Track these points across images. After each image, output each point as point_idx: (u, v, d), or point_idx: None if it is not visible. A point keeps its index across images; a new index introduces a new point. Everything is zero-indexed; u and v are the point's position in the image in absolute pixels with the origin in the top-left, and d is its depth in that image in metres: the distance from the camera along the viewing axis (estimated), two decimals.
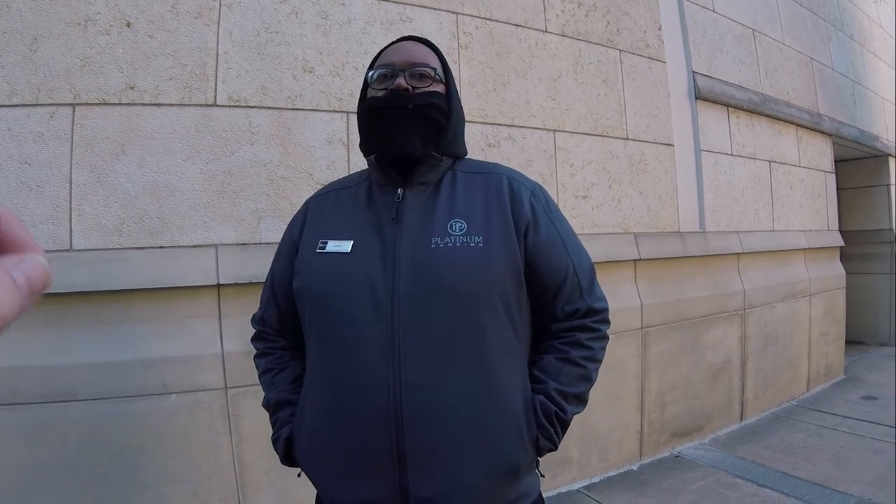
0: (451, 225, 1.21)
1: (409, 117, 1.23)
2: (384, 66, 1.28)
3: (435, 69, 1.29)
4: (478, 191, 1.28)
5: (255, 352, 1.49)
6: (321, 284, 1.23)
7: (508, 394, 1.19)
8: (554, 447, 1.26)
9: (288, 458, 1.33)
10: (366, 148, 1.33)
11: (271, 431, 1.38)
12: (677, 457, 4.01)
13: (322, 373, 1.24)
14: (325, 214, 1.35)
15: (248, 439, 2.52)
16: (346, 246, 1.23)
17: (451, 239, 1.18)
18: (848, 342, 6.44)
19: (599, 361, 1.33)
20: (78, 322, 2.31)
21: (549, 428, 1.23)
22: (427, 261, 1.17)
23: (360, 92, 1.37)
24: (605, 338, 1.35)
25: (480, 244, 1.18)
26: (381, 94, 1.27)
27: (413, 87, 1.25)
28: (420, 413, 1.12)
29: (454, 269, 1.16)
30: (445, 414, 1.13)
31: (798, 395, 5.36)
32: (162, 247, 2.44)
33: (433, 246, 1.18)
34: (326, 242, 1.26)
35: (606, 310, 1.35)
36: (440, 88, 1.30)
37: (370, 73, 1.31)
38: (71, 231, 2.32)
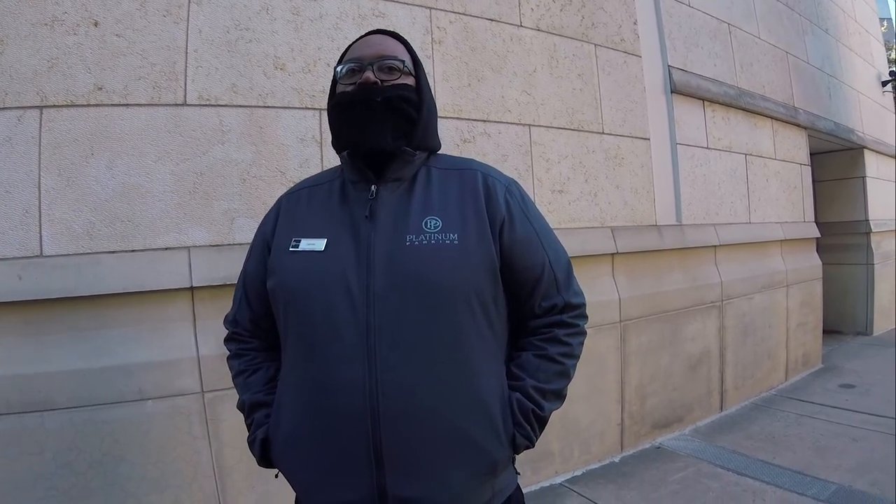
0: (426, 222, 1.19)
1: (378, 111, 1.21)
2: (352, 61, 1.26)
3: (403, 61, 1.27)
4: (452, 187, 1.27)
5: (228, 354, 1.47)
6: (295, 284, 1.21)
7: (485, 392, 1.19)
8: (531, 445, 1.26)
9: (265, 459, 1.31)
10: (337, 144, 1.32)
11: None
12: (658, 448, 4.04)
13: (298, 373, 1.22)
14: (298, 212, 1.33)
15: (227, 443, 2.50)
16: (319, 244, 1.22)
17: (426, 236, 1.17)
18: (825, 332, 6.54)
19: (577, 357, 1.33)
20: (51, 329, 2.28)
21: (525, 426, 1.23)
22: (402, 259, 1.16)
23: (329, 88, 1.36)
24: (583, 333, 1.34)
25: (456, 241, 1.17)
26: (349, 88, 1.25)
27: (382, 81, 1.23)
28: (397, 412, 1.11)
29: (429, 267, 1.15)
30: (422, 413, 1.12)
31: (777, 385, 5.42)
32: (134, 250, 2.40)
33: (408, 244, 1.17)
34: (300, 241, 1.24)
35: (584, 305, 1.35)
36: (410, 81, 1.28)
37: (338, 69, 1.29)
38: (41, 236, 2.29)
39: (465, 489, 1.17)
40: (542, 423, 1.26)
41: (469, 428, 1.16)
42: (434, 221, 1.20)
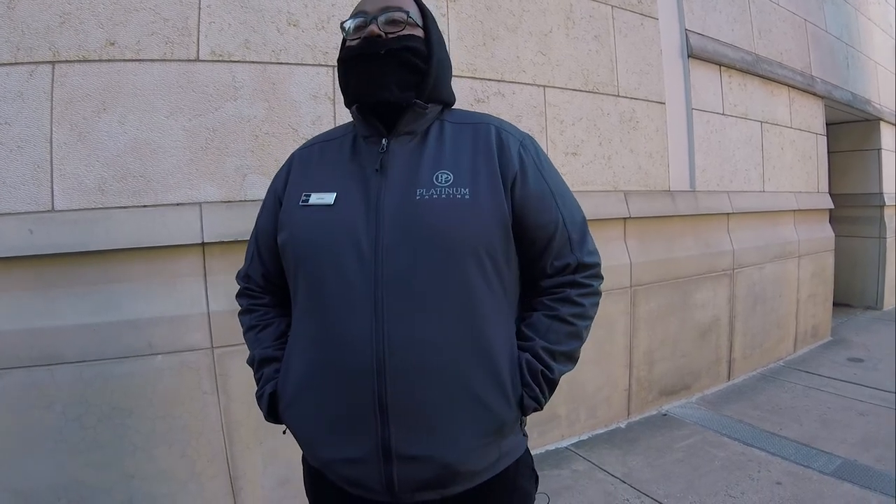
0: (437, 176, 1.17)
1: (382, 63, 1.20)
2: (358, 15, 1.24)
3: (408, 12, 1.24)
4: (466, 141, 1.25)
5: (240, 309, 1.47)
6: (304, 238, 1.21)
7: (494, 350, 1.17)
8: (539, 407, 1.23)
9: (272, 414, 1.31)
10: (346, 99, 1.30)
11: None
12: (665, 415, 4.06)
13: (307, 327, 1.22)
14: (310, 167, 1.32)
15: (235, 399, 2.52)
16: (328, 198, 1.21)
17: (436, 191, 1.15)
18: (835, 304, 6.50)
19: (591, 318, 1.30)
20: (62, 284, 2.28)
21: (534, 387, 1.20)
22: (411, 212, 1.14)
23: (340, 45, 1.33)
24: (597, 293, 1.31)
25: (467, 196, 1.15)
26: (355, 43, 1.23)
27: (387, 33, 1.21)
28: (403, 367, 1.10)
29: (439, 221, 1.13)
30: (429, 369, 1.11)
31: (785, 356, 5.43)
32: (145, 205, 2.40)
33: (418, 197, 1.15)
34: (309, 195, 1.24)
35: (598, 265, 1.32)
36: (417, 32, 1.25)
37: (346, 24, 1.27)
38: (52, 191, 2.28)
39: (470, 449, 1.15)
40: (552, 385, 1.24)
41: (476, 386, 1.14)
42: (445, 175, 1.18)
